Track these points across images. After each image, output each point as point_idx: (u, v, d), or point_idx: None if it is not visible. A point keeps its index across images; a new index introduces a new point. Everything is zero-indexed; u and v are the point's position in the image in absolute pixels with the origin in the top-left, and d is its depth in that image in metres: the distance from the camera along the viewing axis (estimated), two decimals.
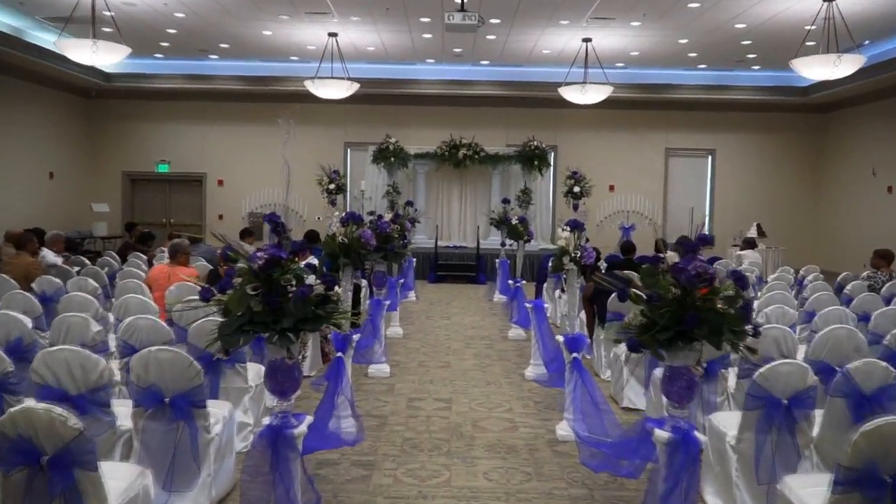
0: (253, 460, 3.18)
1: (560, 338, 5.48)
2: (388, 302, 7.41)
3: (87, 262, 9.99)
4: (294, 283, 3.01)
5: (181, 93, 17.80)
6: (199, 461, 4.11)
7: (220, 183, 18.45)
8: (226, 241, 3.37)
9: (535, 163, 16.50)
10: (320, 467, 4.73)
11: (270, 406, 3.11)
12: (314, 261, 6.93)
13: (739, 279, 3.12)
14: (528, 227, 9.34)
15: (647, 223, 17.08)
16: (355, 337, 5.42)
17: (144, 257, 10.54)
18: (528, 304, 7.28)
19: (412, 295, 12.24)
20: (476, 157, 16.47)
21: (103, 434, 4.08)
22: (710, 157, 18.67)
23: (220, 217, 18.19)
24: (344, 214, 5.49)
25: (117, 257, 10.79)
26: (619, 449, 3.89)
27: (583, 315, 8.38)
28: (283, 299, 2.97)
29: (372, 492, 4.43)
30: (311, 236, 9.23)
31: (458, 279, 15.24)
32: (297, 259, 3.09)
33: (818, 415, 4.12)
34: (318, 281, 3.09)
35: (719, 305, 3.05)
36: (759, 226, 17.03)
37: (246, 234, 11.14)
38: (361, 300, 9.62)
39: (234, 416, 4.64)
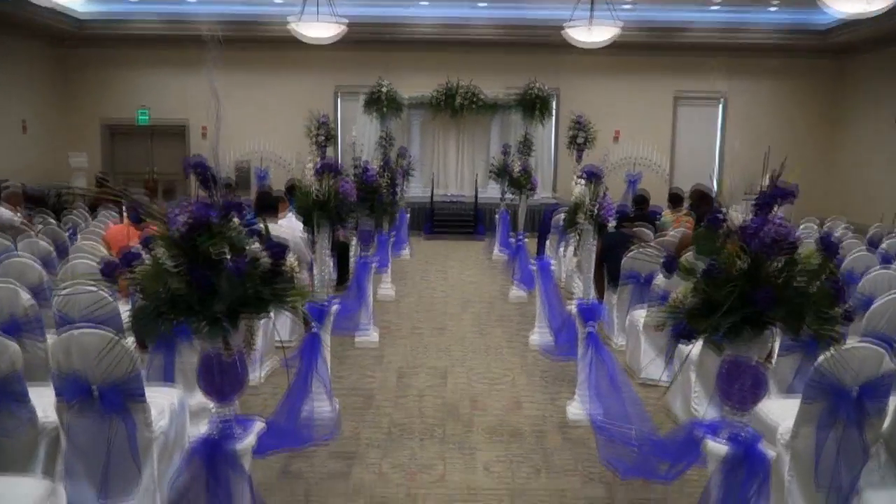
0: (181, 484, 2.43)
1: (573, 306, 4.73)
2: (376, 261, 6.63)
3: (52, 219, 9.18)
4: (229, 253, 2.23)
5: (159, 38, 16.75)
6: (139, 463, 3.39)
7: (204, 132, 17.51)
8: (130, 197, 2.57)
9: (537, 109, 15.58)
10: (291, 461, 4.00)
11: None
12: (291, 219, 6.15)
13: (829, 246, 2.35)
14: (532, 177, 8.52)
15: (655, 173, 16.21)
16: (334, 307, 4.66)
17: (117, 214, 9.73)
18: (532, 264, 6.51)
19: (406, 251, 11.47)
20: (474, 103, 15.56)
21: (20, 431, 3.36)
22: (720, 105, 17.71)
23: None
24: (318, 163, 4.68)
25: (87, 213, 10.00)
26: (652, 448, 3.15)
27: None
28: (213, 276, 2.19)
29: (351, 492, 3.71)
30: (292, 188, 8.41)
31: (455, 233, 14.46)
32: (234, 220, 2.31)
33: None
34: (265, 250, 2.32)
35: (800, 280, 2.29)
36: (772, 176, 16.17)
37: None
38: (349, 261, 8.87)
39: (186, 404, 3.89)
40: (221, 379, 2.39)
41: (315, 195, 4.62)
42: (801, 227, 8.97)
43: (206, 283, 2.19)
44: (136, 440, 3.34)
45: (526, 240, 8.66)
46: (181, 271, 2.21)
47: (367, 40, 16.17)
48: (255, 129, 16.45)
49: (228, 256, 2.23)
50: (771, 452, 2.45)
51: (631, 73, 17.27)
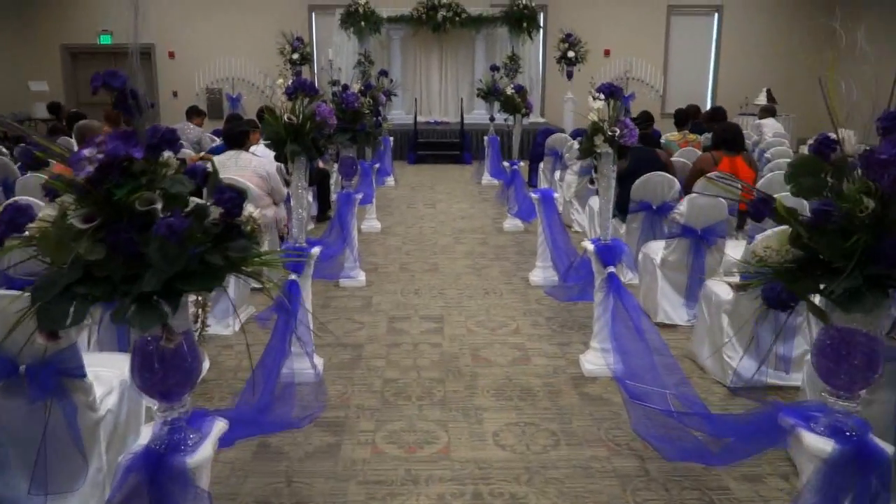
0: None
1: (587, 244, 4.12)
2: (360, 195, 5.97)
3: (5, 150, 8.37)
4: (160, 206, 1.58)
5: None
6: (83, 450, 2.80)
7: (172, 55, 16.47)
8: (20, 131, 1.88)
9: (524, 25, 14.68)
10: (270, 435, 3.44)
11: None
12: (265, 148, 5.45)
13: None
14: (528, 97, 7.80)
15: (649, 91, 15.42)
16: (314, 251, 4.03)
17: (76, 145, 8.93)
18: (533, 194, 5.87)
19: (390, 180, 10.78)
20: (457, 18, 14.63)
21: None
22: (716, 16, 16.82)
23: (175, 94, 16.35)
24: (290, 83, 3.97)
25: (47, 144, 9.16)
26: (710, 427, 2.59)
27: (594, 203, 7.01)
28: (140, 239, 1.55)
29: (340, 475, 3.16)
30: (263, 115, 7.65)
31: (441, 159, 13.74)
32: (167, 157, 1.65)
33: None
34: (212, 201, 1.67)
35: None
36: (769, 91, 15.51)
37: (193, 114, 9.51)
38: (330, 192, 8.20)
39: None
40: (164, 373, 1.78)
41: (287, 120, 3.92)
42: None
43: (129, 248, 1.55)
44: (77, 425, 2.75)
45: (522, 164, 7.99)
46: (95, 232, 1.57)
47: None
48: (225, 51, 15.49)
49: (160, 210, 1.58)
50: (889, 448, 1.89)
51: None
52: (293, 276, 3.88)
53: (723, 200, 4.88)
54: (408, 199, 9.92)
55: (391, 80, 12.81)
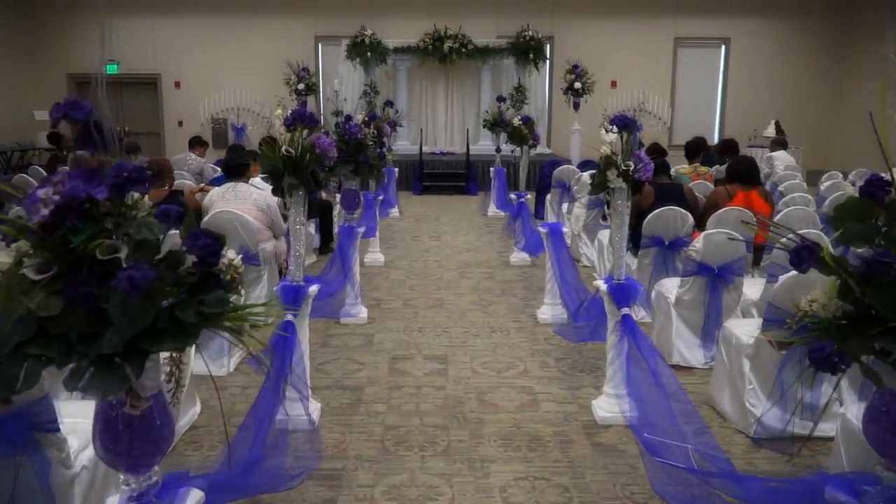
0: None
1: (601, 284, 3.91)
2: (362, 228, 5.78)
3: None
4: (125, 254, 1.39)
5: None
6: None
7: (178, 85, 16.43)
8: None
9: (531, 56, 14.61)
10: None
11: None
12: (262, 183, 5.28)
13: None
14: (535, 129, 7.63)
15: (659, 124, 15.28)
16: (312, 289, 3.82)
17: None
18: (541, 228, 5.67)
19: (395, 211, 10.60)
20: (464, 50, 14.56)
21: None
22: (723, 47, 16.75)
23: (180, 124, 16.27)
24: (289, 113, 3.79)
25: (43, 172, 9.03)
26: (742, 488, 2.35)
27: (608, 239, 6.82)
28: (101, 293, 1.35)
29: None
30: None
31: (447, 189, 13.59)
32: (135, 198, 1.45)
33: None
34: (185, 246, 1.47)
35: None
36: (777, 123, 15.37)
37: (195, 144, 9.37)
38: (333, 223, 8.02)
39: None
40: (130, 443, 1.57)
41: (285, 153, 3.74)
42: (826, 182, 8.14)
43: (88, 303, 1.35)
44: (50, 483, 2.53)
45: (528, 196, 7.80)
46: (50, 284, 1.37)
47: None
48: (231, 81, 15.42)
49: (125, 259, 1.38)
50: None
51: (629, 16, 16.29)
52: (289, 317, 3.68)
53: (739, 237, 4.68)
54: (412, 230, 9.74)
55: (397, 111, 12.71)
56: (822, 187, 8.01)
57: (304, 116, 3.86)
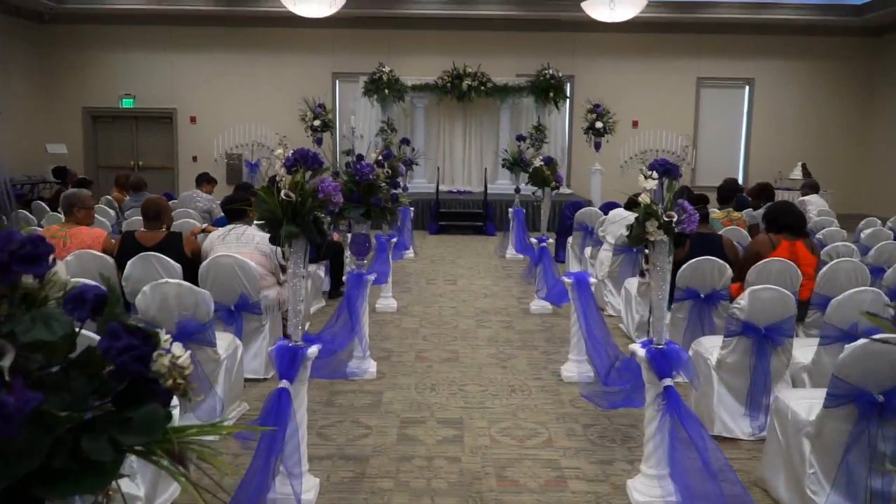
0: None
1: (639, 349, 3.46)
2: (373, 275, 5.37)
3: None
4: (6, 363, 0.96)
5: (144, 15, 15.49)
6: None
7: (193, 120, 16.24)
8: None
9: (551, 94, 14.30)
10: None
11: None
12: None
13: None
14: (557, 170, 7.22)
15: (682, 165, 14.83)
16: (311, 351, 3.39)
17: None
18: (566, 278, 5.23)
19: (409, 253, 10.19)
20: (482, 88, 14.27)
21: None
22: (746, 88, 16.37)
23: (195, 159, 16.04)
24: (290, 154, 3.41)
25: (46, 208, 8.74)
26: None
27: (631, 285, 6.36)
28: None
29: None
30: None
31: (464, 229, 13.18)
32: (31, 282, 1.04)
33: None
34: (100, 348, 1.05)
35: None
36: (804, 166, 14.92)
37: (203, 181, 9.04)
38: (344, 266, 7.62)
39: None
40: None
41: (285, 197, 3.34)
42: (866, 230, 7.63)
43: None
44: None
45: (550, 241, 7.36)
46: None
47: (366, 17, 14.97)
48: (246, 117, 15.24)
49: (7, 370, 0.96)
50: None
51: (651, 56, 16.00)
52: (284, 384, 3.24)
53: (789, 294, 4.22)
54: (427, 273, 9.32)
55: (413, 149, 12.37)
56: (861, 235, 7.50)
57: (308, 157, 3.47)
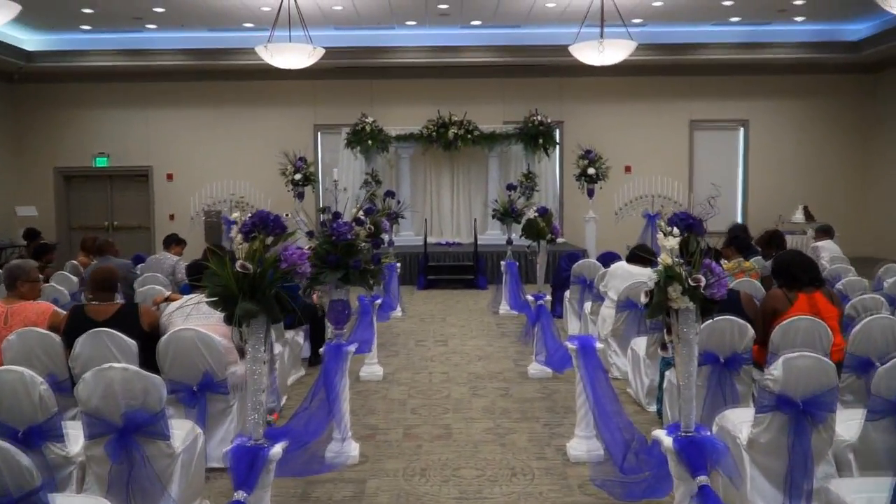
0: None
1: (664, 437, 2.90)
2: (353, 345, 4.79)
3: None
4: None
5: (117, 72, 15.10)
6: None
7: (170, 177, 15.74)
8: None
9: (540, 141, 13.92)
10: None
11: None
12: None
13: None
14: (552, 221, 6.72)
15: (674, 209, 14.41)
16: (275, 451, 2.81)
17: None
18: (570, 344, 4.67)
19: (396, 312, 9.61)
20: (469, 136, 13.88)
21: None
22: (741, 130, 16.06)
23: (172, 217, 15.49)
24: (246, 218, 2.88)
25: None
26: None
27: (664, 372, 5.81)
28: None
29: None
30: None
31: (454, 283, 12.63)
32: None
33: None
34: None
35: None
36: (806, 208, 14.55)
37: (172, 243, 8.49)
38: (325, 330, 7.03)
39: None
40: None
41: (240, 269, 2.80)
42: (889, 279, 7.10)
43: None
44: None
45: (548, 298, 6.80)
46: None
47: (348, 67, 14.64)
48: (225, 172, 14.74)
49: None
50: None
51: (642, 99, 15.69)
52: (239, 495, 2.66)
53: (829, 362, 3.68)
54: (416, 333, 8.74)
55: (398, 202, 11.87)
56: (885, 283, 6.97)
57: (268, 221, 2.95)
